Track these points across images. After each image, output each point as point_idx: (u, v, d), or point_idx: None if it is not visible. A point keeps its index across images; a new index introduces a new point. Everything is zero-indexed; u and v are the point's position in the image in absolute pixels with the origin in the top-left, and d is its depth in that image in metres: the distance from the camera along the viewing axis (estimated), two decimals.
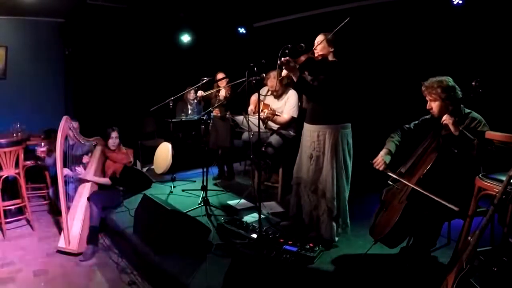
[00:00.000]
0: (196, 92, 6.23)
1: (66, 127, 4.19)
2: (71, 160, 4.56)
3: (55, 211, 5.08)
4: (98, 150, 4.74)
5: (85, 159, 4.70)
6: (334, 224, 3.61)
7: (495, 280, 2.25)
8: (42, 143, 5.09)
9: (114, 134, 4.68)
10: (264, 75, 4.35)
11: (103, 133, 4.78)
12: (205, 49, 7.99)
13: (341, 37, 3.54)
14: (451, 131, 2.86)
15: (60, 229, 4.69)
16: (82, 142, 4.56)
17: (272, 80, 4.84)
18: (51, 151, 4.96)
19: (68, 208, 4.22)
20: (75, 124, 4.59)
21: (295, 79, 3.46)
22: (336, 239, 3.66)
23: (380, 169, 3.16)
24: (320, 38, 3.54)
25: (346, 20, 3.26)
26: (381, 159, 3.19)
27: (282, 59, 3.33)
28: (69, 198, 4.38)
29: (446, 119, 2.89)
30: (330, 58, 3.57)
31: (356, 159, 3.69)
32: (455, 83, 3.02)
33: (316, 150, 3.57)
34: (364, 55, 5.91)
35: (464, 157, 2.90)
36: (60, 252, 4.07)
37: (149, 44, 7.49)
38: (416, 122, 3.39)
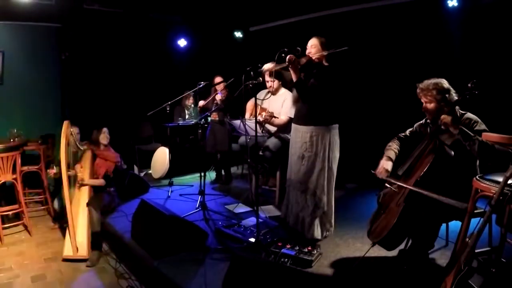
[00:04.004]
0: (195, 99, 6.24)
1: (68, 132, 4.20)
2: (71, 165, 4.55)
3: (55, 217, 5.07)
4: (88, 154, 4.74)
5: (76, 167, 4.66)
6: (319, 224, 3.73)
7: (493, 281, 2.25)
8: (53, 166, 5.07)
9: (105, 130, 4.71)
10: (261, 79, 4.37)
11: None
12: (201, 53, 8.00)
13: (334, 41, 3.61)
14: (450, 130, 2.87)
15: (58, 234, 4.68)
16: (80, 147, 4.56)
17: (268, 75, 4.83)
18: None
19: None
20: (75, 130, 4.59)
21: (295, 79, 3.56)
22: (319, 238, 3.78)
23: (383, 178, 3.19)
24: (314, 41, 3.62)
25: (344, 48, 3.50)
26: (382, 168, 3.22)
27: (289, 56, 3.46)
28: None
29: (444, 118, 2.90)
30: (324, 62, 3.67)
31: (353, 160, 3.72)
32: (450, 85, 3.05)
33: (308, 150, 3.66)
34: (359, 58, 5.93)
35: (461, 159, 2.91)
36: (67, 260, 4.01)
37: (146, 48, 7.49)
38: (411, 129, 3.43)
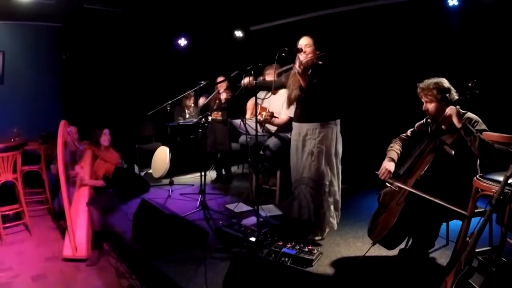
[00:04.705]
0: (196, 98, 6.23)
1: (65, 132, 4.19)
2: (69, 165, 4.54)
3: (55, 217, 5.06)
4: (88, 154, 4.71)
5: (77, 167, 4.64)
6: (335, 215, 3.84)
7: (494, 280, 2.25)
8: (56, 162, 5.07)
9: (106, 131, 4.67)
10: (261, 78, 4.37)
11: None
12: (202, 53, 8.00)
13: (326, 41, 3.64)
14: (454, 122, 2.86)
15: (58, 234, 4.68)
16: (79, 146, 4.55)
17: (270, 76, 4.83)
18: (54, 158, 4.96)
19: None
20: (73, 129, 4.58)
21: (305, 84, 3.60)
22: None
23: (386, 179, 3.18)
24: (309, 41, 3.63)
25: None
26: (385, 169, 3.21)
27: (297, 67, 3.50)
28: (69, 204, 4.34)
29: (449, 110, 2.89)
30: (318, 61, 3.72)
31: (355, 159, 3.73)
32: (450, 84, 3.05)
33: (317, 146, 3.67)
34: (360, 58, 5.94)
35: (462, 158, 2.91)
36: (67, 260, 4.01)
37: (146, 48, 7.50)
38: (412, 129, 3.42)
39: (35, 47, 6.68)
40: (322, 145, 3.66)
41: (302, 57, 3.59)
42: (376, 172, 3.26)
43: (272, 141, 4.83)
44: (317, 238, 3.80)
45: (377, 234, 3.09)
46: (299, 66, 3.50)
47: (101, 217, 4.21)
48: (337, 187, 3.81)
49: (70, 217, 4.10)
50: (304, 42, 3.64)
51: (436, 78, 3.08)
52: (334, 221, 3.81)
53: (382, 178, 3.21)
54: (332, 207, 3.78)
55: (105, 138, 4.66)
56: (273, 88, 4.00)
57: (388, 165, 3.23)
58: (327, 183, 3.70)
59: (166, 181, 5.98)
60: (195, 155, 6.46)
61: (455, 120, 2.85)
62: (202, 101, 5.89)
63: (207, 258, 3.48)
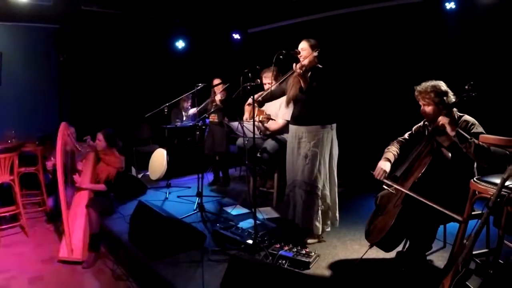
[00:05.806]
0: (193, 100, 6.24)
1: (65, 133, 4.18)
2: (69, 166, 4.51)
3: (51, 219, 5.04)
4: (91, 156, 4.69)
5: (79, 165, 4.65)
6: (326, 218, 3.82)
7: (491, 283, 2.26)
8: (52, 158, 5.06)
9: (99, 136, 4.59)
10: (259, 81, 4.37)
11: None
12: (200, 55, 8.01)
13: (333, 43, 3.64)
14: (447, 131, 2.88)
15: (55, 236, 4.66)
16: (80, 148, 4.53)
17: (268, 79, 4.82)
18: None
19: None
20: (71, 130, 4.56)
21: (305, 86, 3.60)
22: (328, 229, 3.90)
23: (381, 179, 3.19)
24: (304, 45, 3.68)
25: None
26: (380, 169, 3.21)
27: (298, 68, 3.51)
28: (68, 206, 4.31)
29: (441, 119, 2.91)
30: (318, 64, 3.74)
31: (352, 161, 3.72)
32: (447, 87, 3.06)
33: (312, 149, 3.66)
34: (358, 60, 5.95)
35: (459, 161, 2.92)
36: (62, 261, 3.99)
37: (144, 50, 7.49)
38: (410, 132, 3.43)
39: (33, 48, 6.66)
40: (317, 149, 3.66)
41: (301, 59, 3.62)
42: (372, 171, 3.26)
43: (269, 144, 4.83)
44: (310, 241, 3.79)
45: (375, 237, 3.09)
46: (300, 68, 3.51)
47: (99, 219, 4.20)
48: (329, 191, 3.79)
49: (67, 219, 4.08)
50: (300, 46, 3.68)
51: (433, 81, 3.09)
52: (319, 225, 3.75)
53: (378, 177, 3.21)
54: (320, 212, 3.74)
55: (98, 143, 4.60)
56: (270, 93, 4.05)
57: (384, 165, 3.23)
58: (320, 186, 3.70)
59: (164, 183, 5.96)
60: (192, 157, 6.46)
61: (448, 128, 2.87)
62: (192, 111, 5.91)
63: (204, 260, 3.48)
